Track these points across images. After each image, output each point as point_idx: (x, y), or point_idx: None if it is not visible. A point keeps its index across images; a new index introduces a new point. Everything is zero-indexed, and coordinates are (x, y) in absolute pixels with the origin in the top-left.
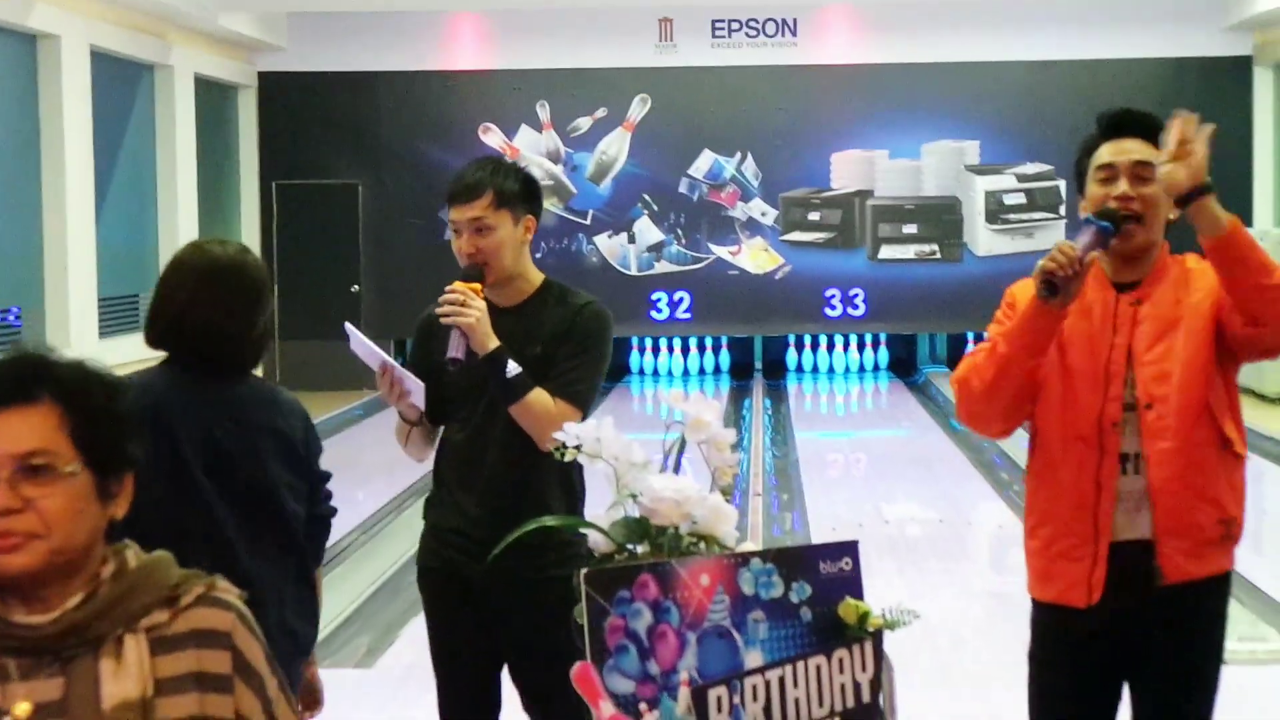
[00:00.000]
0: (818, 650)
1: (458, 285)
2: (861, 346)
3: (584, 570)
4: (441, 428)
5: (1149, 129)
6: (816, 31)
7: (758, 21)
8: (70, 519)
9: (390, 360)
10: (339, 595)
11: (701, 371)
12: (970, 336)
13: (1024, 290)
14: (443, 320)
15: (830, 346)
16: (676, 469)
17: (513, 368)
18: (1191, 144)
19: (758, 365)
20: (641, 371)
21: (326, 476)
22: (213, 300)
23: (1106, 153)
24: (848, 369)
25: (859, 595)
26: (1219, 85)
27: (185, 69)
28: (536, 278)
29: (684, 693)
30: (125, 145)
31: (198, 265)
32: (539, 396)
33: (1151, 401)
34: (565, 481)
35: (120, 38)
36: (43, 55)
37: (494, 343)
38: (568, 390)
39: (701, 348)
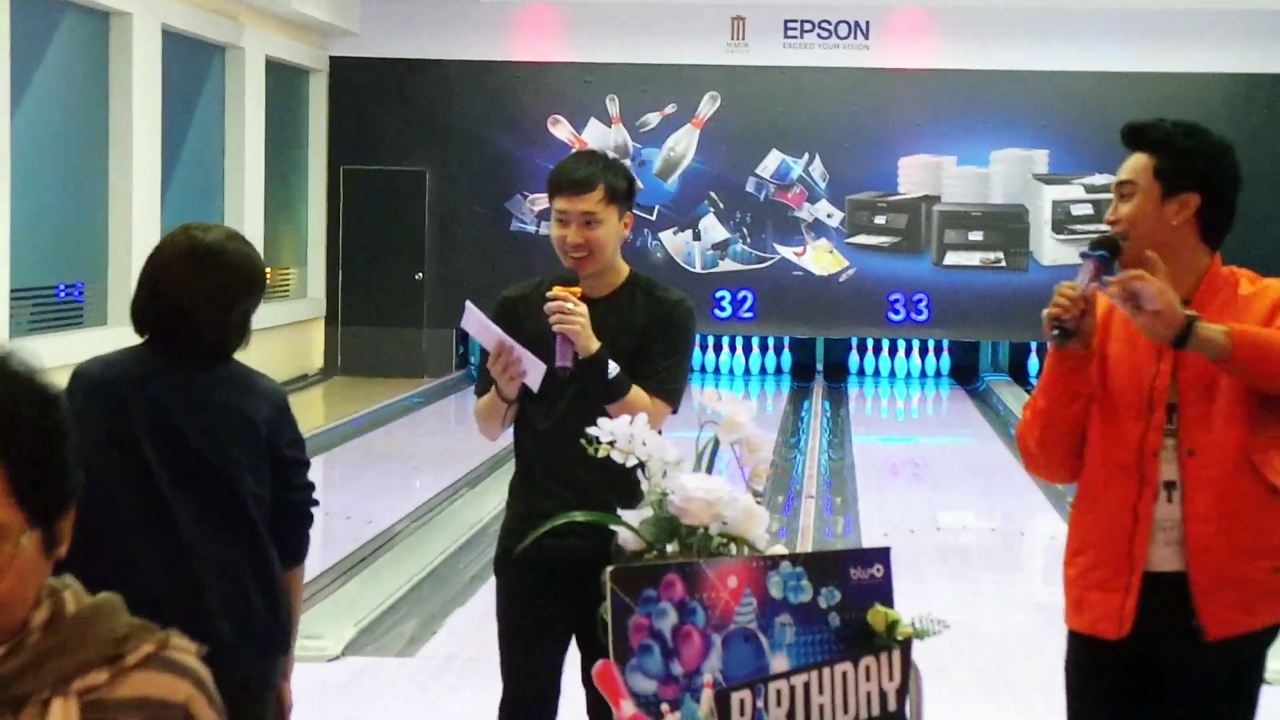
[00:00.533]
0: (845, 657)
1: (559, 290)
2: (924, 352)
3: (610, 568)
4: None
5: (1147, 141)
6: (889, 35)
7: (830, 23)
8: (19, 596)
9: (509, 340)
10: (385, 582)
11: (763, 371)
12: (1034, 346)
13: None
14: (554, 328)
15: (892, 351)
16: (710, 469)
17: (613, 367)
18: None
19: (819, 367)
20: (703, 369)
21: (297, 462)
22: (185, 284)
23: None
24: (909, 374)
25: (889, 603)
26: None
27: (257, 51)
28: (624, 269)
29: (707, 695)
30: (194, 126)
31: (179, 247)
32: (638, 395)
33: (1194, 448)
34: None
35: (193, 18)
36: (115, 33)
37: (596, 345)
38: (664, 388)
39: (764, 348)
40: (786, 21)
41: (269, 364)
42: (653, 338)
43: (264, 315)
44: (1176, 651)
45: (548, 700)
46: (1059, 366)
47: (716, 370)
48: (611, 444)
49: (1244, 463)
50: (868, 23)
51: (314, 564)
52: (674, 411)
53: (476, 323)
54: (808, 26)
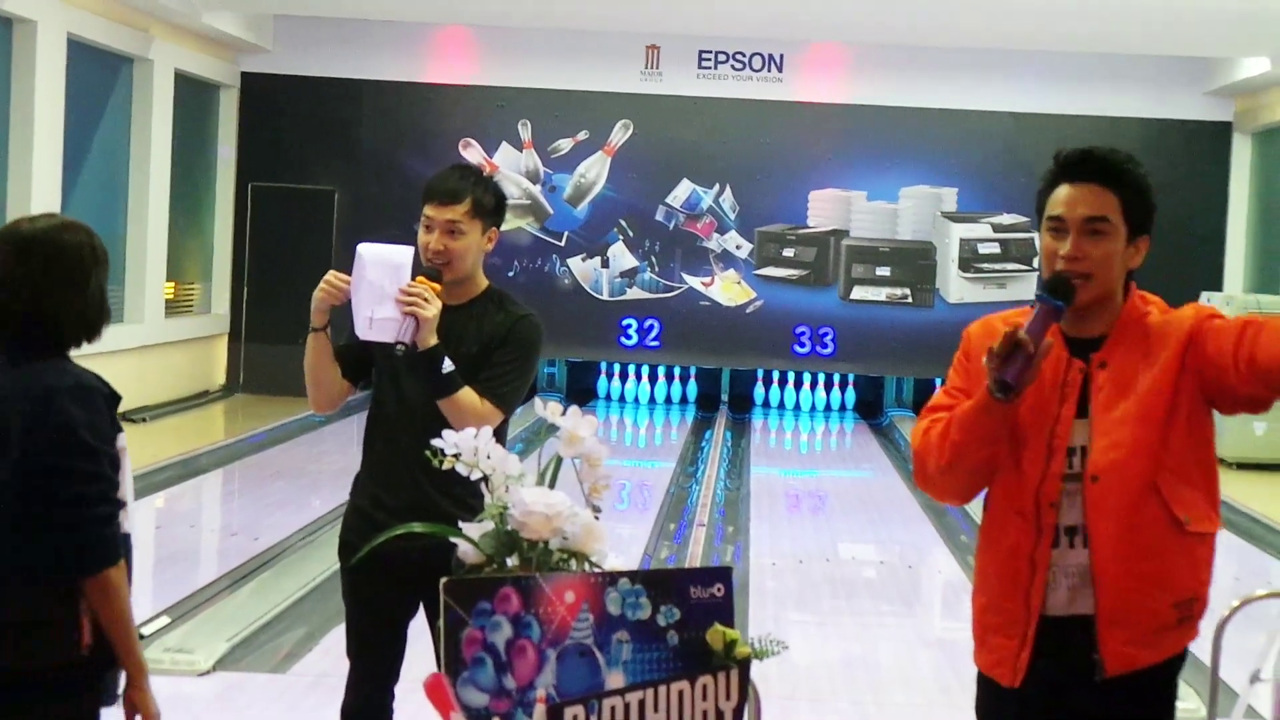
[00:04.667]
0: (682, 675)
1: (422, 280)
2: (829, 386)
3: (444, 580)
4: (351, 391)
5: (1110, 174)
6: (802, 69)
7: (744, 55)
8: None
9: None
10: (266, 598)
11: (668, 401)
12: (938, 382)
13: (980, 333)
14: (403, 311)
15: (798, 384)
16: (552, 484)
17: (447, 364)
18: None
19: (724, 398)
20: (608, 397)
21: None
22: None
23: (1059, 201)
24: (814, 407)
25: (729, 622)
26: (1198, 149)
27: (166, 64)
28: (483, 283)
29: (540, 710)
30: (99, 136)
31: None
32: (467, 394)
33: (1098, 474)
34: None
35: (100, 28)
36: (18, 41)
37: (435, 341)
38: (497, 391)
39: (669, 377)
40: (701, 52)
41: (170, 379)
42: (494, 346)
43: (167, 330)
44: (1077, 694)
45: (385, 684)
46: (986, 414)
47: (622, 398)
48: (456, 456)
49: (1149, 491)
50: (781, 56)
51: (195, 578)
52: (506, 416)
53: (376, 263)
54: (722, 58)
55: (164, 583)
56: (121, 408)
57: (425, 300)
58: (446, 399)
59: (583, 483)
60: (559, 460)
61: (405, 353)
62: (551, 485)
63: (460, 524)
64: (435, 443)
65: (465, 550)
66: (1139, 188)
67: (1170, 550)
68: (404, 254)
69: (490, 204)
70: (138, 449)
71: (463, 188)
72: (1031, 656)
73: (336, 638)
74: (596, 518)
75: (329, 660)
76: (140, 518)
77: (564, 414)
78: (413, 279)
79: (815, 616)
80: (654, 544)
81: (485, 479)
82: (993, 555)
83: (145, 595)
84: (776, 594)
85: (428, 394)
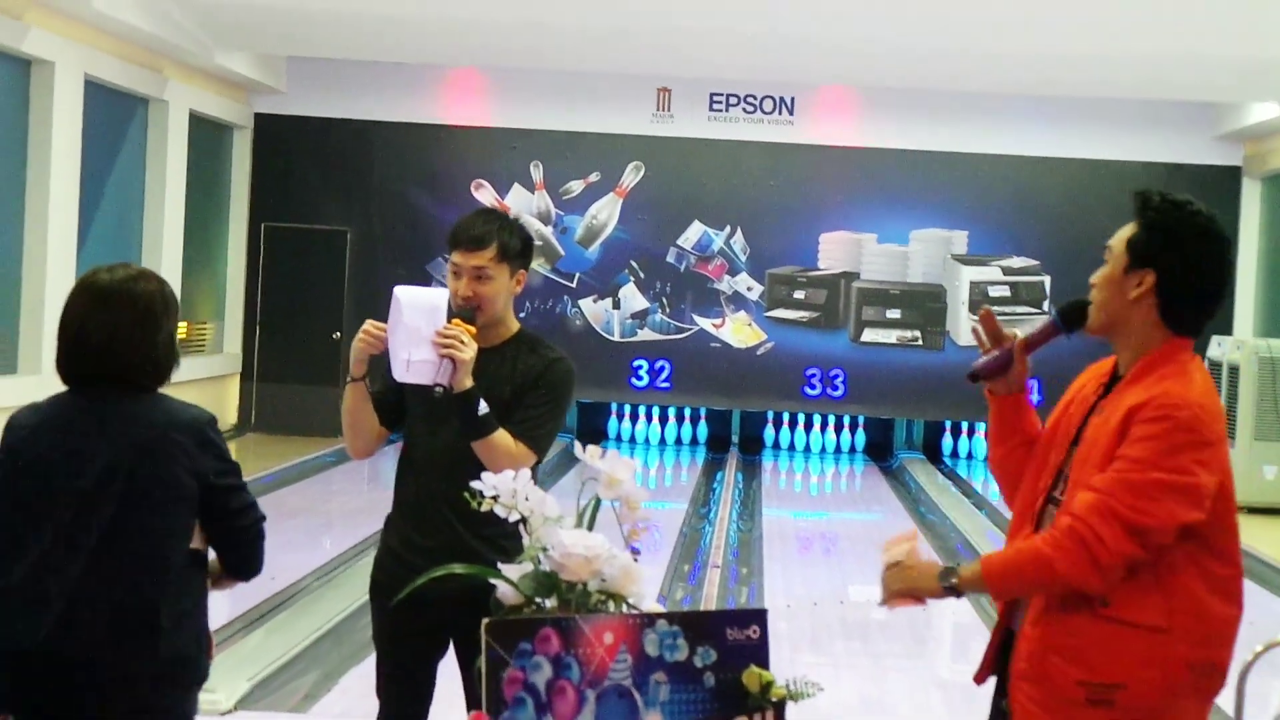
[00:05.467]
0: (719, 716)
1: (458, 323)
2: (839, 428)
3: (485, 620)
4: (387, 436)
5: (1136, 209)
6: (813, 111)
7: (755, 97)
8: None
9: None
10: (285, 638)
11: (678, 442)
12: (947, 425)
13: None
14: (440, 352)
15: (808, 426)
16: (591, 526)
17: (483, 407)
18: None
19: (734, 439)
20: (619, 438)
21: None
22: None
23: None
24: (824, 449)
25: (765, 664)
26: (1208, 193)
27: (180, 105)
28: (514, 325)
29: None
30: (114, 176)
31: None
32: (502, 436)
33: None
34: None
35: (116, 69)
36: (36, 81)
37: (471, 382)
38: (530, 434)
39: (680, 418)
40: (712, 94)
41: None
42: (527, 389)
43: (180, 369)
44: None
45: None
46: (991, 406)
47: (632, 439)
48: (494, 499)
49: None
50: (793, 98)
51: (213, 618)
52: (539, 459)
53: (411, 307)
54: (733, 100)
55: None
56: None
57: (462, 342)
58: (481, 440)
59: (621, 525)
60: (598, 502)
61: (443, 395)
62: (590, 527)
63: (499, 565)
64: (474, 485)
65: (504, 591)
66: (1152, 222)
67: (1085, 627)
68: (440, 296)
69: (517, 247)
70: None
71: (488, 233)
72: (998, 664)
73: (355, 678)
74: (635, 560)
75: (347, 700)
76: None
77: (603, 457)
78: (448, 321)
79: (829, 658)
80: (669, 585)
81: (523, 521)
82: None
83: None
84: (791, 636)
85: (464, 435)
